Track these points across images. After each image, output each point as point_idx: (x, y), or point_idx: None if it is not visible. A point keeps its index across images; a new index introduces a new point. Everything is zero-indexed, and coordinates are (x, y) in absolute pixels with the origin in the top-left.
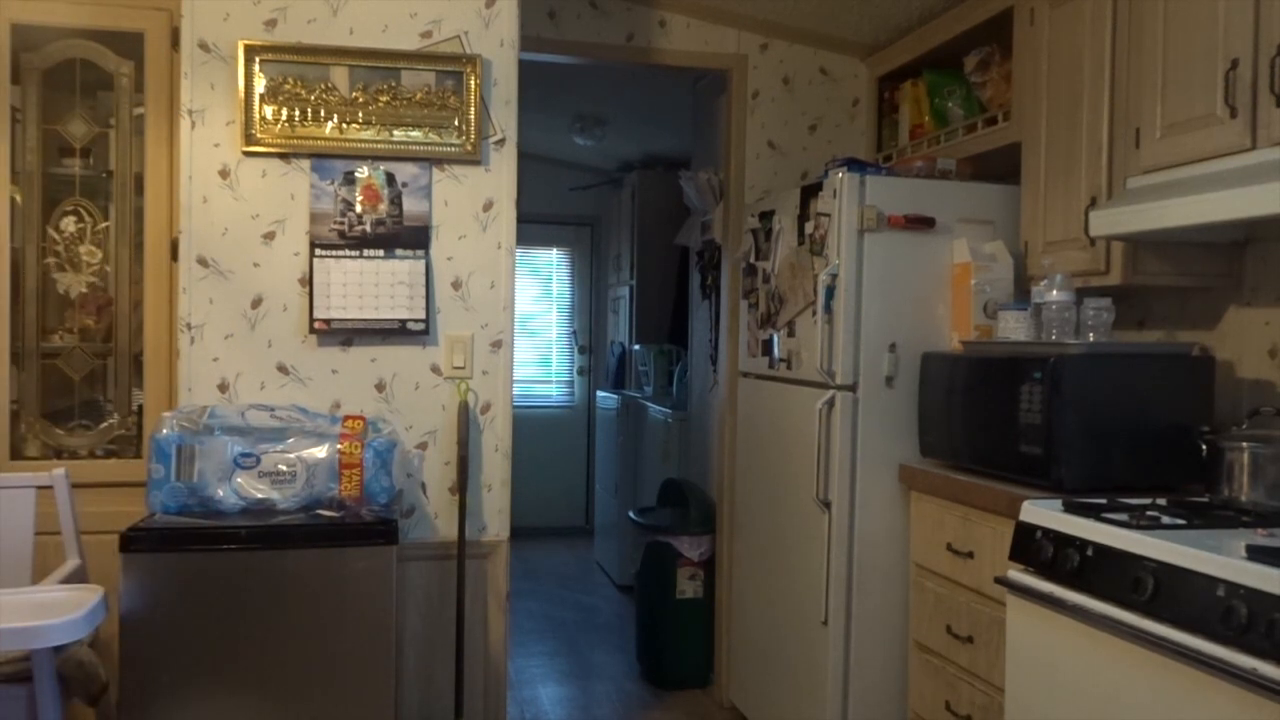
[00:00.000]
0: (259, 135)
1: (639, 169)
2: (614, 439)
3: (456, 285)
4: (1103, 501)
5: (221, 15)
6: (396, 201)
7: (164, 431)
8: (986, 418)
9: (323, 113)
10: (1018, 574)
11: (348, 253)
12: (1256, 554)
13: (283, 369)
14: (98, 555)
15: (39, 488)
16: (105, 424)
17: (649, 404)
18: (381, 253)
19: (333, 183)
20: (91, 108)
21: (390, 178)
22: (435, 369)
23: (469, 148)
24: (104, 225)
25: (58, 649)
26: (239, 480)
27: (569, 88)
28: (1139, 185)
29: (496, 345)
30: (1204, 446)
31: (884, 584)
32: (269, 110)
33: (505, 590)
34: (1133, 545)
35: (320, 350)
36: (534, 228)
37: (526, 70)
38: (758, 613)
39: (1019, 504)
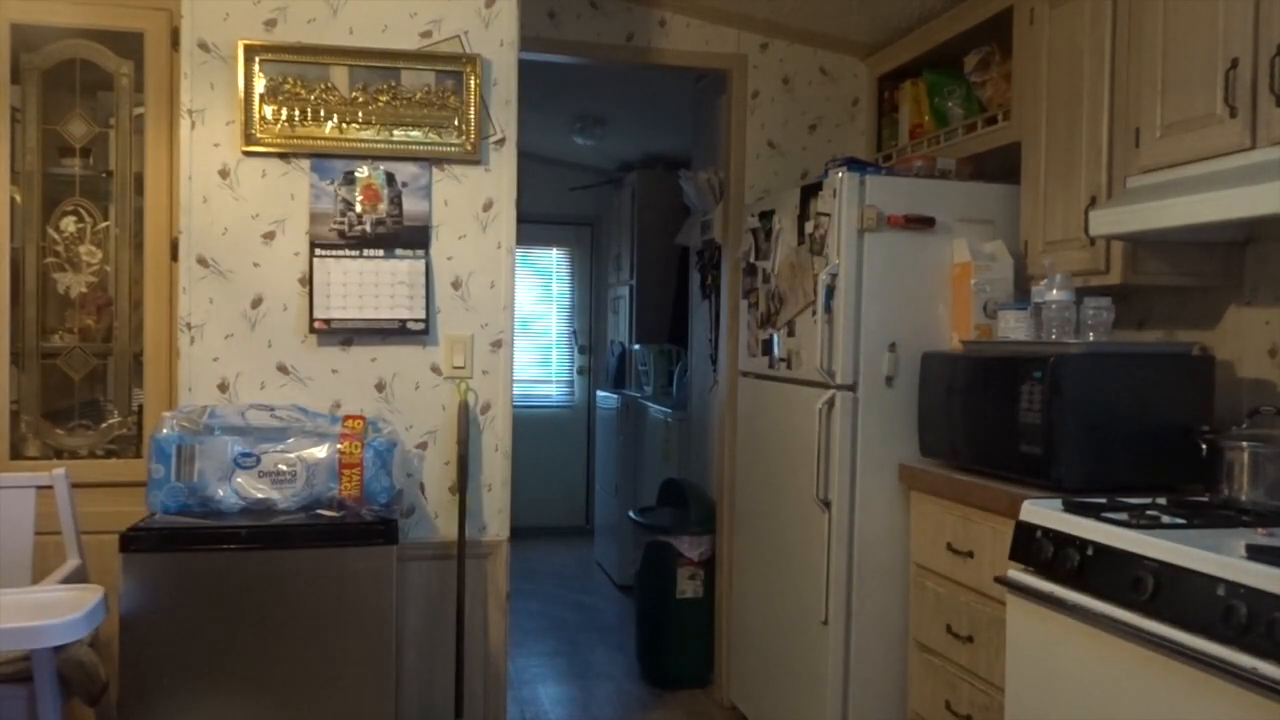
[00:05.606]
0: (259, 135)
1: (639, 169)
2: (614, 439)
3: (456, 285)
4: (1103, 501)
5: (221, 15)
6: (396, 201)
7: (164, 431)
8: (986, 417)
9: (322, 113)
10: (1018, 573)
11: (348, 253)
12: (1256, 553)
13: (283, 369)
14: (98, 555)
15: (39, 488)
16: (105, 424)
17: (649, 404)
18: (381, 252)
19: (333, 183)
20: (91, 108)
21: (390, 178)
22: (435, 369)
23: (469, 148)
24: (104, 225)
25: (58, 649)
26: (239, 480)
27: (569, 88)
28: (1139, 185)
29: (496, 345)
30: (1204, 446)
31: (884, 584)
32: (269, 110)
33: (505, 590)
34: (1133, 545)
35: (320, 350)
36: (534, 228)
37: (526, 70)
38: (758, 613)
39: (1019, 504)
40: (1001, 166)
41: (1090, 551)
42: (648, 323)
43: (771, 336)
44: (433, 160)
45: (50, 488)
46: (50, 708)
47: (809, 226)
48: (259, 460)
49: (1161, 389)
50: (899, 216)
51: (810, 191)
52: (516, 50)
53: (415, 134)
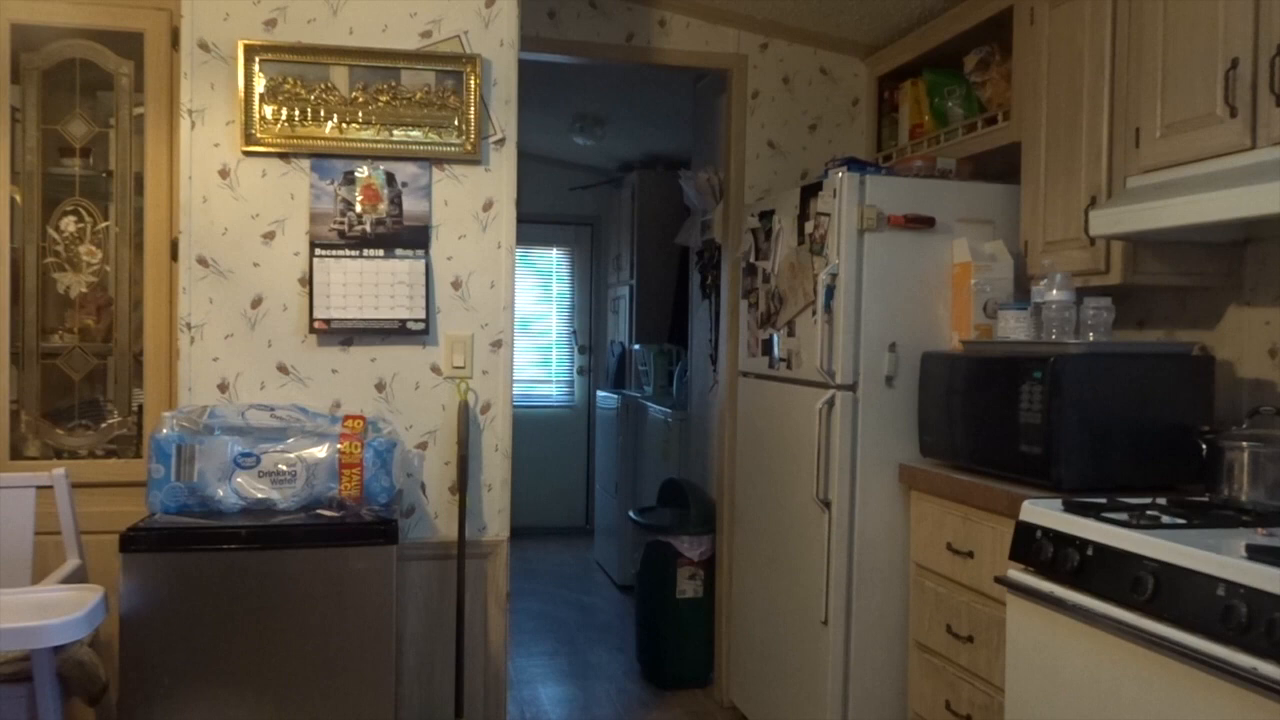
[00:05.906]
0: (259, 135)
1: (639, 169)
2: (614, 439)
3: (456, 285)
4: (1103, 501)
5: (221, 15)
6: (396, 201)
7: (164, 431)
8: (986, 417)
9: (322, 112)
10: (1018, 573)
11: (348, 252)
12: (1256, 553)
13: (283, 369)
14: (98, 555)
15: (39, 488)
16: (105, 424)
17: (649, 404)
18: (381, 252)
19: (333, 182)
20: (91, 108)
21: (390, 177)
22: (435, 369)
23: (469, 147)
24: (104, 225)
25: (58, 649)
26: (239, 480)
27: (569, 88)
28: (1139, 185)
29: (496, 345)
30: (1204, 446)
31: (884, 584)
32: (269, 110)
33: (505, 590)
34: (1133, 545)
35: (320, 350)
36: (534, 228)
37: (526, 70)
38: (758, 613)
39: (1019, 504)
40: (1001, 166)
41: (1090, 551)
42: (648, 323)
43: (771, 336)
44: (433, 160)
45: (50, 488)
46: (50, 708)
47: (809, 226)
48: (259, 460)
49: (1161, 389)
50: (899, 216)
51: (810, 191)
52: (516, 50)
53: (415, 134)
